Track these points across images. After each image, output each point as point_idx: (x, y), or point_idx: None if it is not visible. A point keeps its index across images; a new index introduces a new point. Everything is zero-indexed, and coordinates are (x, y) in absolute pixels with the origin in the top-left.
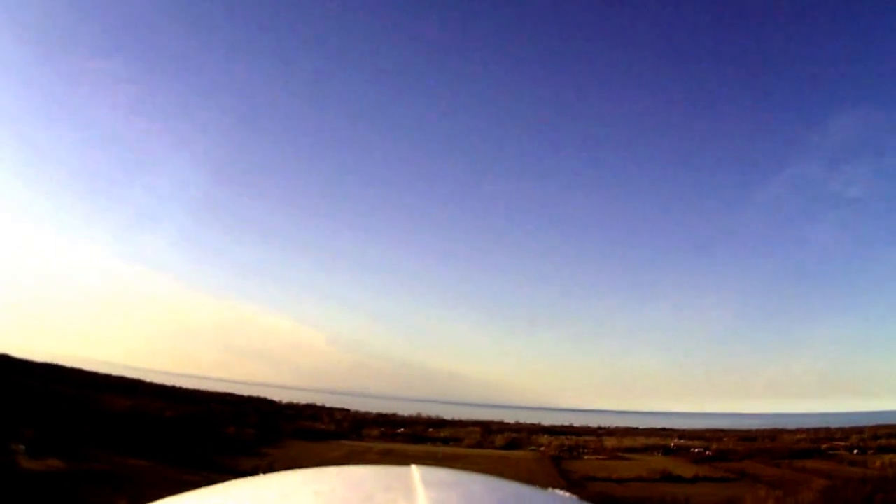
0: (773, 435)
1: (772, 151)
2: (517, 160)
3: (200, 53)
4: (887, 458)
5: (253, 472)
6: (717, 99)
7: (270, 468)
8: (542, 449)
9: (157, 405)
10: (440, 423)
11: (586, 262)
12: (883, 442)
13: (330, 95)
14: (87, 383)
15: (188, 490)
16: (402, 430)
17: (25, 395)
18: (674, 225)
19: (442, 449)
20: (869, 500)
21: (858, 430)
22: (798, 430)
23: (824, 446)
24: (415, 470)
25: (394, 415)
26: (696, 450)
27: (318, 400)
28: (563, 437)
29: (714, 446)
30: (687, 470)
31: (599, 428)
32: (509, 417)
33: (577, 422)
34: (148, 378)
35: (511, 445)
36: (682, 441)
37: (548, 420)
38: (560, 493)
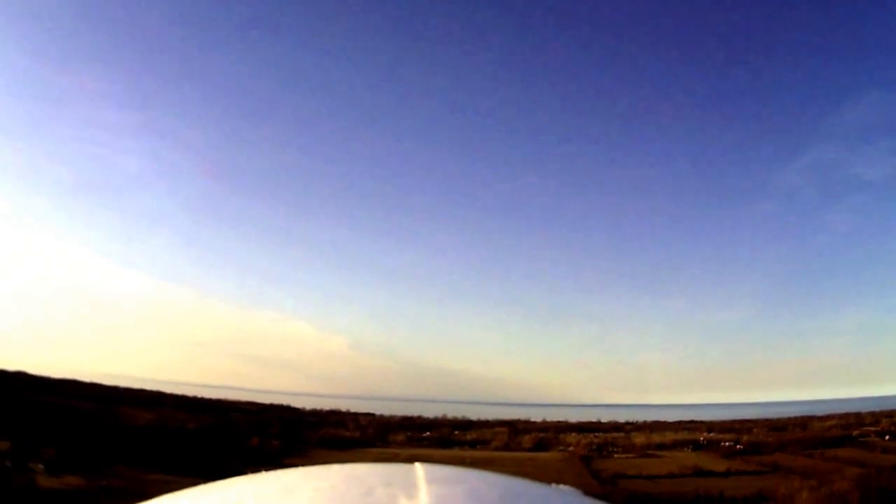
0: (803, 423)
1: (789, 136)
2: (534, 156)
3: (201, 53)
4: None
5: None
6: (731, 86)
7: None
8: (570, 449)
9: (179, 417)
10: (466, 425)
11: (606, 255)
12: None
13: (339, 96)
14: (107, 397)
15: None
16: (428, 433)
17: (43, 413)
18: (693, 215)
19: (470, 453)
20: None
21: (889, 414)
22: (827, 417)
23: (855, 433)
24: (418, 467)
25: (418, 417)
26: (727, 443)
27: (342, 405)
28: (591, 434)
29: (744, 439)
30: (719, 464)
31: (627, 423)
32: (535, 415)
33: (604, 417)
34: (168, 389)
35: (539, 446)
36: (711, 435)
37: (574, 416)
38: (564, 487)
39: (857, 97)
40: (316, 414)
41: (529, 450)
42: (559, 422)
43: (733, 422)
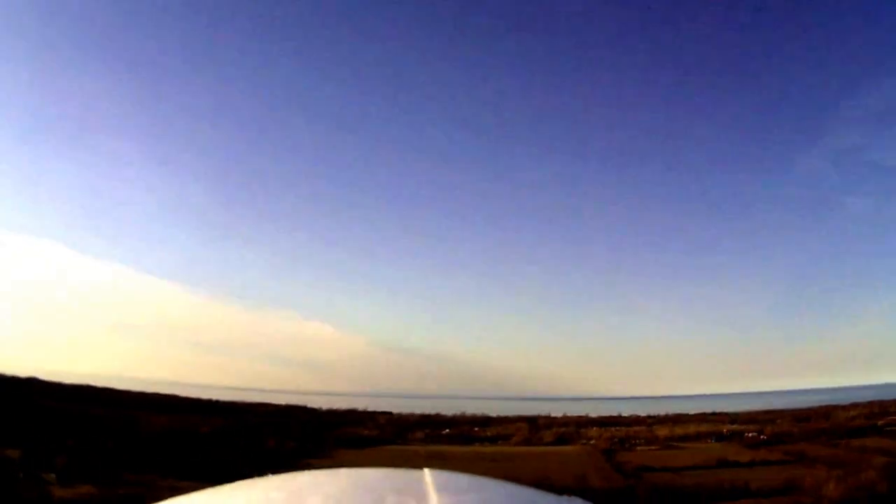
0: (827, 412)
1: (807, 122)
2: (556, 142)
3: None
4: None
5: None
6: (750, 72)
7: None
8: (592, 442)
9: (194, 420)
10: (485, 422)
11: (625, 244)
12: None
13: (347, 96)
14: (120, 402)
15: None
16: (448, 430)
17: (56, 420)
18: (714, 201)
19: (491, 449)
20: None
21: None
22: (851, 406)
23: (881, 422)
24: (427, 473)
25: (437, 415)
26: (750, 434)
27: (360, 404)
28: (613, 428)
29: (768, 429)
30: (743, 455)
31: (649, 416)
32: (555, 409)
33: (626, 411)
34: (183, 392)
35: (560, 441)
36: (734, 426)
37: (594, 410)
38: (576, 500)
39: (876, 79)
40: (333, 413)
41: (550, 445)
42: (580, 416)
43: (757, 412)
